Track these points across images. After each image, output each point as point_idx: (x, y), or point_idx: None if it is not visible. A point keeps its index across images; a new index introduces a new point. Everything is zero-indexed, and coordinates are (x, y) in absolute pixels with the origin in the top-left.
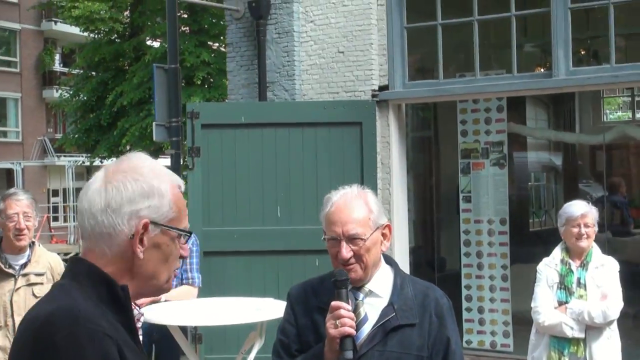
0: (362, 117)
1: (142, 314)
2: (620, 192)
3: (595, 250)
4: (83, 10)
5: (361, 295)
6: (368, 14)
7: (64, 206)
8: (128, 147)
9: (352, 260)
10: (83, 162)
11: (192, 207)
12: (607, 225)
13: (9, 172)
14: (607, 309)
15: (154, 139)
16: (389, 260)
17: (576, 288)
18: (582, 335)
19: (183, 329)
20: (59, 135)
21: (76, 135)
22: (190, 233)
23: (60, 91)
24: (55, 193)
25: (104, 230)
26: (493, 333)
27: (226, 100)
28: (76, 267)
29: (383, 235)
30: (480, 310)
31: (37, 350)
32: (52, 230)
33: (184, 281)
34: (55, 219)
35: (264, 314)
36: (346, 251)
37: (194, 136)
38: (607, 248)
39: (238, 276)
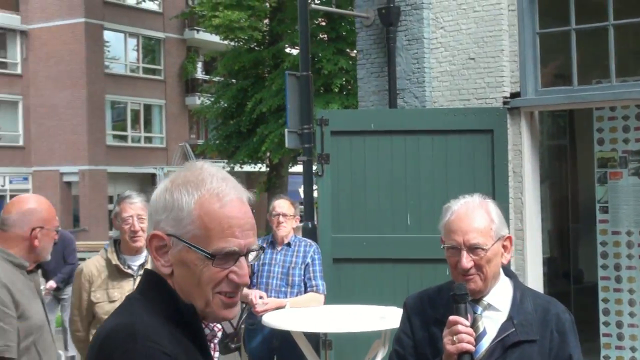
0: (493, 125)
1: (220, 329)
2: None
3: None
4: (223, 19)
5: (479, 309)
6: (499, 20)
7: None
8: (267, 154)
9: (473, 270)
10: (223, 168)
11: (321, 214)
12: None
13: (153, 177)
14: None
15: (286, 145)
16: (509, 273)
17: None
18: None
19: (314, 336)
20: (200, 141)
21: (217, 142)
22: (213, 256)
23: (201, 98)
24: None
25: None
26: (633, 349)
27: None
28: (147, 279)
29: (504, 247)
30: (619, 324)
31: None
32: None
33: (308, 289)
34: None
35: (387, 322)
36: (466, 261)
37: (324, 143)
38: None
39: (367, 283)
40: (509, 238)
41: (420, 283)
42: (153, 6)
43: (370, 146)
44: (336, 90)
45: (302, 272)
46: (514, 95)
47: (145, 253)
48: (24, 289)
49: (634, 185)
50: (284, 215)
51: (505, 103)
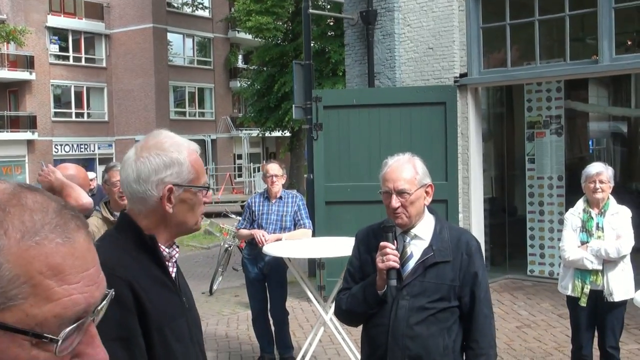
0: (446, 98)
1: (176, 252)
2: None
3: (612, 201)
4: (254, 22)
5: (408, 239)
6: (451, 18)
7: (245, 167)
8: (290, 123)
9: (400, 209)
10: (258, 134)
11: (316, 168)
12: None
13: (203, 142)
14: (620, 246)
15: (293, 117)
16: (432, 211)
17: (595, 231)
18: (600, 268)
19: (312, 259)
20: (240, 115)
21: (252, 114)
22: (208, 188)
23: (241, 82)
24: (240, 157)
25: (139, 195)
26: (551, 264)
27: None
28: (121, 219)
29: (426, 192)
30: (542, 246)
31: None
32: (234, 184)
33: (299, 226)
34: (240, 175)
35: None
36: (395, 202)
37: (318, 115)
38: None
39: (350, 220)
40: (431, 186)
41: None
42: (204, 13)
43: (353, 116)
44: (340, 74)
45: (292, 217)
46: (463, 75)
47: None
48: None
49: (554, 142)
50: (276, 175)
51: (455, 81)
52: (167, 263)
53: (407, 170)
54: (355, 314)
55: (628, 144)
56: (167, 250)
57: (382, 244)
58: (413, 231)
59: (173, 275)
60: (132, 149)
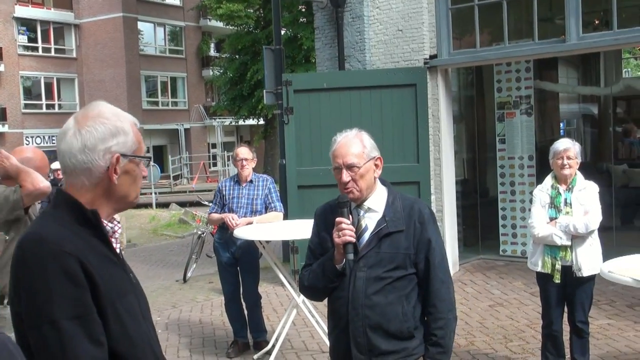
0: (416, 80)
1: (119, 228)
2: (632, 135)
3: (579, 176)
4: (225, 10)
5: (362, 212)
6: None
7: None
8: (264, 111)
9: (350, 183)
10: (230, 122)
11: (288, 152)
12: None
13: (176, 131)
14: (588, 221)
15: (265, 102)
16: (385, 183)
17: (563, 207)
18: (569, 243)
19: (285, 243)
20: (213, 103)
21: (225, 103)
22: (150, 158)
23: (213, 70)
24: (214, 146)
25: (84, 165)
26: (523, 244)
27: (316, 71)
28: (58, 197)
29: (375, 165)
30: (513, 226)
31: (16, 267)
32: (208, 173)
33: (270, 209)
34: (214, 164)
35: None
36: (345, 176)
37: (289, 99)
38: (623, 176)
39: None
40: (379, 158)
41: None
42: (175, 2)
43: (324, 100)
44: (313, 60)
45: (263, 201)
46: (432, 57)
47: None
48: None
49: (524, 122)
50: (246, 159)
51: (425, 63)
52: (110, 238)
53: (355, 145)
54: (317, 289)
55: (598, 123)
56: (109, 225)
57: (337, 219)
58: (366, 204)
59: (118, 250)
60: (70, 120)
